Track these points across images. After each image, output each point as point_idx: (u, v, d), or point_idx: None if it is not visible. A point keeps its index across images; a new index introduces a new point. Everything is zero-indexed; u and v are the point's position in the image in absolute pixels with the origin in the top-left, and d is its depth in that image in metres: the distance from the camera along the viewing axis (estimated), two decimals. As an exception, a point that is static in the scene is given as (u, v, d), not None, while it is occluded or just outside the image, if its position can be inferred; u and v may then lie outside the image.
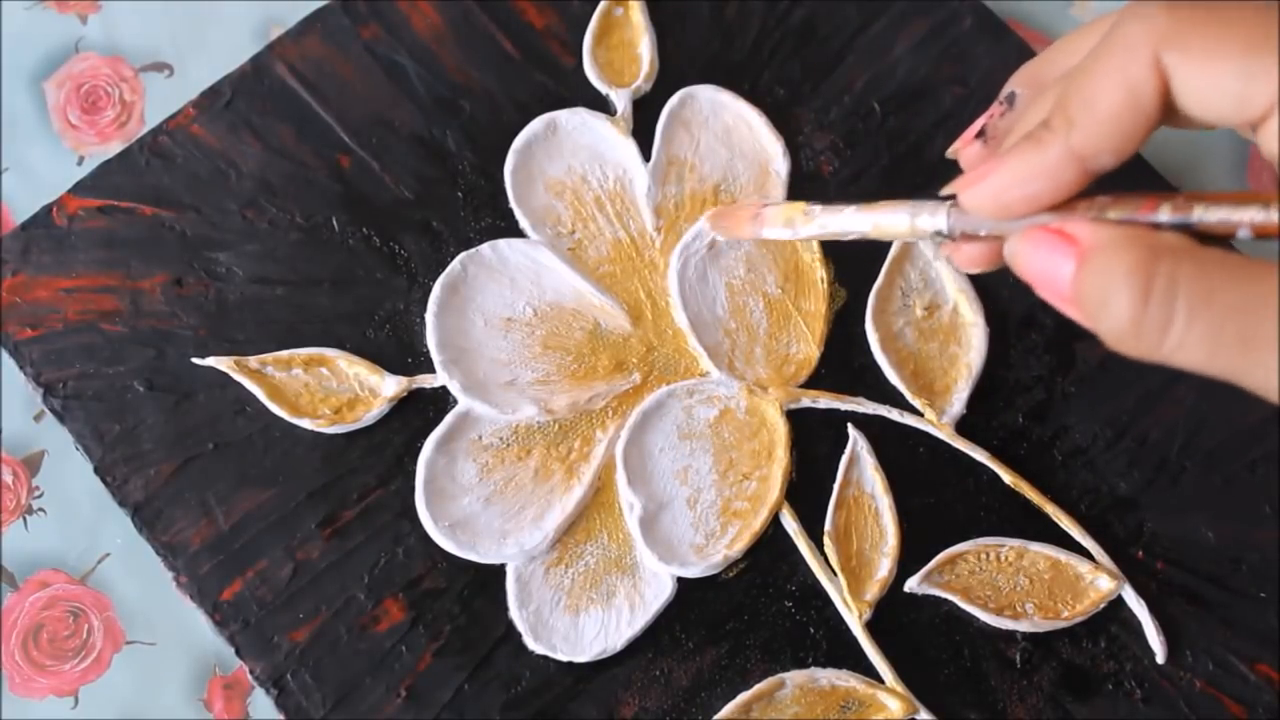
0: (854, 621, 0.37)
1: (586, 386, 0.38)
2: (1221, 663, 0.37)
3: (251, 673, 0.36)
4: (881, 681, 0.36)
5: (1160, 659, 0.37)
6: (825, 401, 0.39)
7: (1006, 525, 0.38)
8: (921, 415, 0.39)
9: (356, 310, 0.39)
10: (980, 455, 0.38)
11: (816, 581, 0.37)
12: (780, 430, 0.38)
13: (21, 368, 0.38)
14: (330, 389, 0.38)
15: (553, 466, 0.38)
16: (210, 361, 0.38)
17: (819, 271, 0.40)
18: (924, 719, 0.36)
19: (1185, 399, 0.39)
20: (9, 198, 0.42)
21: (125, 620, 0.38)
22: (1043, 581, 0.37)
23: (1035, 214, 0.25)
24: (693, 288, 0.40)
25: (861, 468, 0.38)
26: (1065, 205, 0.24)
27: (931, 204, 0.27)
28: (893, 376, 0.39)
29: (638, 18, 0.42)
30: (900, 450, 0.39)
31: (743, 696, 0.36)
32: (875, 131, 0.42)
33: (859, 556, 0.37)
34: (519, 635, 0.36)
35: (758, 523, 0.37)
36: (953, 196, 0.26)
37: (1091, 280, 0.23)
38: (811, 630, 0.37)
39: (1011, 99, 0.29)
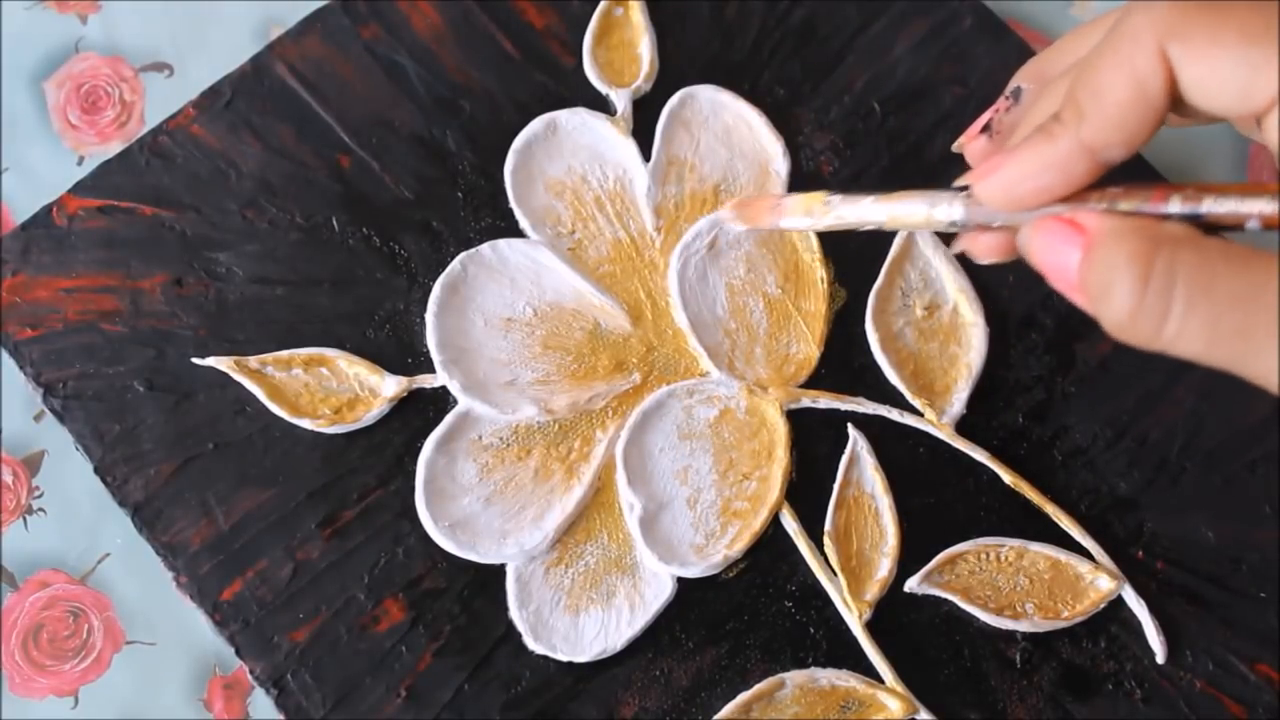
0: (854, 621, 0.37)
1: (586, 386, 0.38)
2: (1221, 663, 0.37)
3: (251, 673, 0.36)
4: (881, 681, 0.36)
5: (1160, 659, 0.37)
6: (825, 401, 0.39)
7: (1006, 525, 0.38)
8: (921, 415, 0.39)
9: (356, 310, 0.39)
10: (980, 455, 0.38)
11: (816, 581, 0.37)
12: (780, 430, 0.38)
13: (21, 368, 0.38)
14: (330, 389, 0.38)
15: (553, 466, 0.38)
16: (210, 361, 0.38)
17: (819, 271, 0.40)
18: (924, 719, 0.36)
19: (1185, 399, 0.39)
20: (9, 198, 0.42)
21: (125, 620, 0.38)
22: (1043, 581, 0.37)
23: (1047, 205, 0.25)
24: (693, 288, 0.40)
25: (861, 468, 0.38)
26: (1077, 196, 0.25)
27: (947, 195, 0.27)
28: (893, 376, 0.39)
29: (638, 18, 0.42)
30: (900, 450, 0.39)
31: (743, 696, 0.36)
32: (875, 131, 0.42)
33: (859, 556, 0.37)
34: (519, 635, 0.36)
35: (758, 523, 0.37)
36: (967, 188, 0.26)
37: (1095, 268, 0.23)
38: (811, 630, 0.37)
39: (1017, 94, 0.30)
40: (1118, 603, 0.37)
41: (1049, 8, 0.46)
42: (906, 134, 0.42)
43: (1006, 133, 0.29)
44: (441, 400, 0.38)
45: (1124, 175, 0.25)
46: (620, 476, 0.38)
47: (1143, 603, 0.37)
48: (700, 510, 0.38)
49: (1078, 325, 0.40)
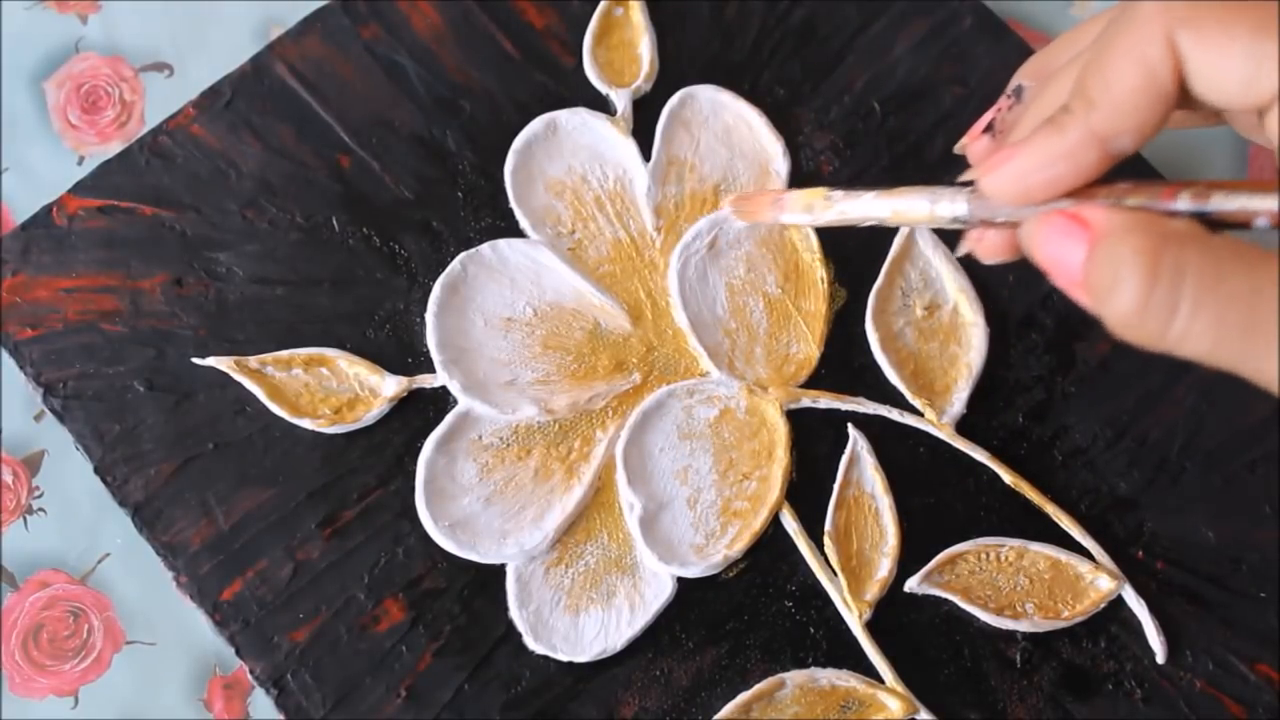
0: (854, 621, 0.37)
1: (586, 386, 0.38)
2: (1221, 663, 0.37)
3: (251, 673, 0.36)
4: (881, 681, 0.36)
5: (1160, 659, 0.37)
6: (825, 401, 0.39)
7: (1006, 525, 0.38)
8: (921, 415, 0.39)
9: (356, 310, 0.39)
10: (980, 455, 0.38)
11: (816, 581, 0.37)
12: (780, 430, 0.38)
13: (21, 368, 0.38)
14: (330, 389, 0.38)
15: (553, 466, 0.38)
16: (210, 361, 0.38)
17: (819, 271, 0.40)
18: (924, 719, 0.36)
19: (1185, 399, 0.39)
20: (9, 198, 0.42)
21: (125, 620, 0.38)
22: (1043, 581, 0.37)
23: (1055, 199, 0.25)
24: (693, 288, 0.40)
25: (861, 468, 0.38)
26: (1085, 191, 0.24)
27: (951, 190, 0.27)
28: (893, 376, 0.39)
29: (638, 18, 0.42)
30: (900, 450, 0.39)
31: (743, 696, 0.36)
32: (875, 131, 0.42)
33: (859, 556, 0.37)
34: (519, 635, 0.36)
35: (758, 523, 0.37)
36: (971, 183, 0.26)
37: (1100, 264, 0.23)
38: (811, 630, 0.37)
39: (1019, 92, 0.29)
40: (1118, 603, 0.37)
41: (1049, 8, 0.46)
42: (906, 134, 0.42)
43: (1010, 131, 0.29)
44: (441, 400, 0.38)
45: (1124, 176, 0.25)
46: (620, 476, 0.38)
47: (1143, 603, 0.37)
48: (700, 510, 0.38)
49: (1078, 325, 0.40)
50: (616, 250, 0.40)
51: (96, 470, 0.38)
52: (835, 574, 0.37)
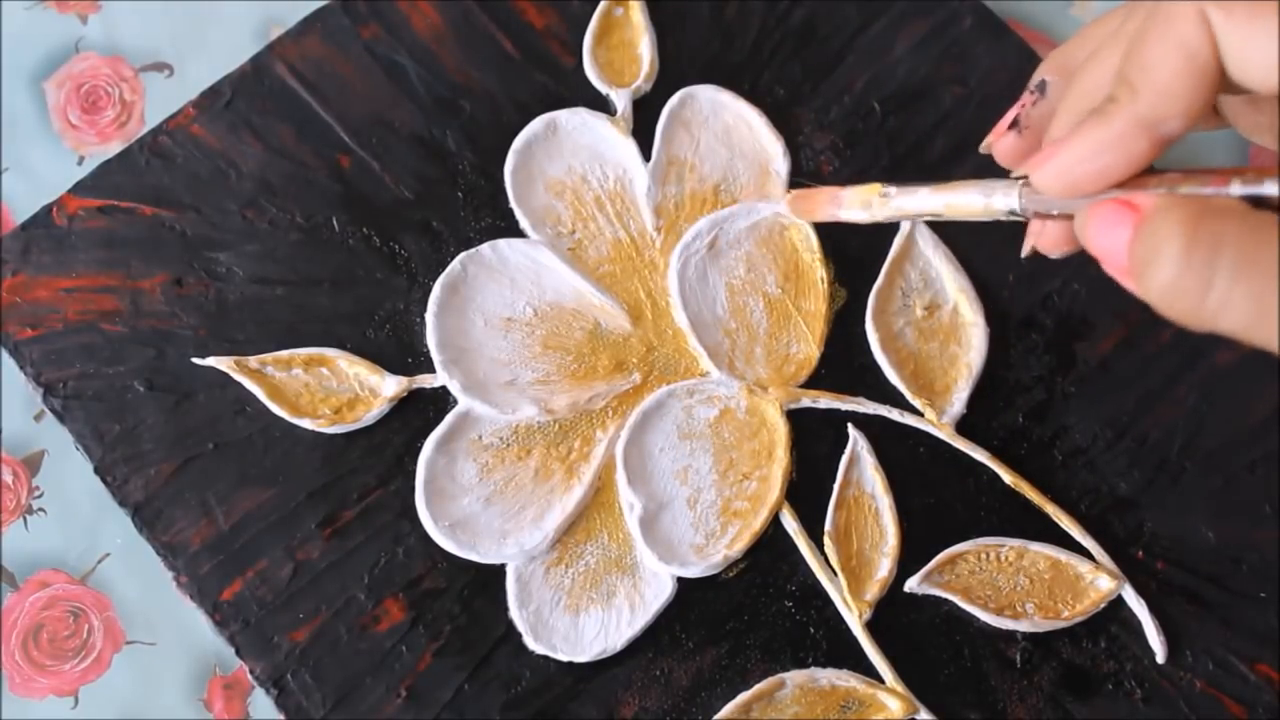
0: (854, 621, 0.37)
1: (586, 386, 0.38)
2: (1221, 663, 0.37)
3: (251, 673, 0.36)
4: (881, 681, 0.36)
5: (1160, 659, 0.37)
6: (825, 401, 0.39)
7: (1006, 525, 0.38)
8: (921, 415, 0.39)
9: (356, 310, 0.39)
10: (980, 455, 0.38)
11: (816, 581, 0.37)
12: (780, 430, 0.38)
13: (21, 368, 0.38)
14: (330, 389, 0.38)
15: (553, 466, 0.38)
16: (210, 361, 0.38)
17: (819, 271, 0.40)
18: (924, 719, 0.36)
19: (1185, 399, 0.39)
20: (9, 198, 0.42)
21: (125, 620, 0.38)
22: (1043, 581, 0.37)
23: (1106, 189, 0.25)
24: (693, 288, 0.40)
25: (861, 468, 0.38)
26: (1136, 181, 0.24)
27: (1004, 184, 0.27)
28: (893, 376, 0.39)
29: (638, 18, 0.42)
30: (900, 450, 0.39)
31: (743, 696, 0.36)
32: (875, 131, 0.42)
33: (859, 556, 0.37)
34: (519, 635, 0.36)
35: (758, 523, 0.37)
36: (1025, 177, 0.26)
37: (1142, 240, 0.23)
38: (811, 630, 0.37)
39: (1043, 87, 0.29)
40: (1118, 603, 0.37)
41: (1049, 8, 0.46)
42: (906, 134, 0.42)
43: (1035, 127, 0.29)
44: (441, 400, 0.38)
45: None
46: (620, 476, 0.38)
47: (1143, 603, 0.37)
48: (700, 510, 0.38)
49: (1078, 325, 0.40)
50: (616, 250, 0.40)
51: (96, 470, 0.38)
52: (835, 574, 0.37)
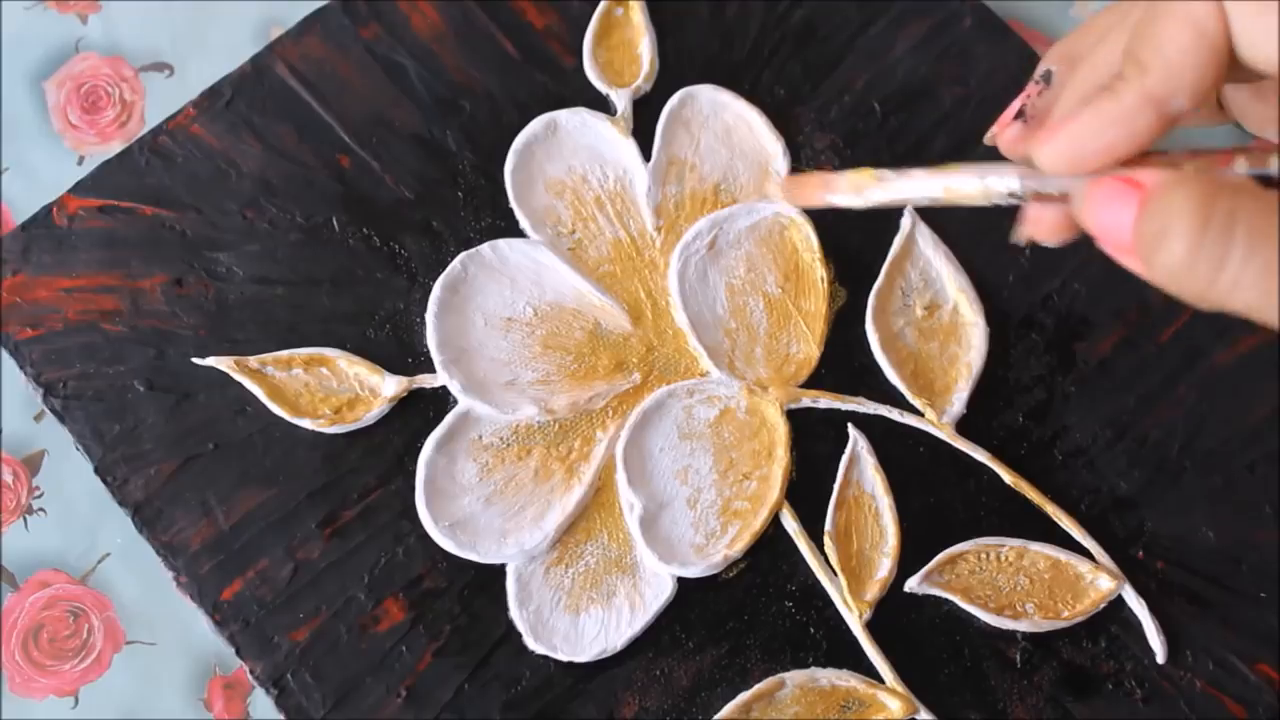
0: (854, 621, 0.37)
1: (586, 386, 0.38)
2: (1221, 663, 0.37)
3: (251, 673, 0.36)
4: (881, 681, 0.36)
5: (1160, 659, 0.37)
6: (825, 401, 0.39)
7: (1006, 525, 0.38)
8: (922, 415, 0.39)
9: (356, 310, 0.39)
10: (980, 455, 0.38)
11: (816, 581, 0.37)
12: (780, 430, 0.38)
13: (21, 368, 0.38)
14: (330, 389, 0.38)
15: (553, 466, 0.38)
16: (210, 361, 0.38)
17: (819, 271, 0.40)
18: (924, 719, 0.36)
19: (1185, 399, 0.39)
20: (9, 198, 0.42)
21: (125, 620, 0.38)
22: (1043, 581, 0.37)
23: (1110, 166, 0.24)
24: (693, 288, 0.40)
25: (862, 468, 0.38)
26: (1140, 160, 0.24)
27: (1002, 165, 0.26)
28: (893, 376, 0.39)
29: (638, 18, 0.42)
30: (900, 450, 0.39)
31: (743, 696, 0.36)
32: (875, 131, 0.42)
33: (859, 556, 0.37)
34: (519, 635, 0.36)
35: (758, 523, 0.37)
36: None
37: (1150, 216, 0.23)
38: (811, 630, 0.37)
39: (1048, 76, 0.29)
40: (1118, 603, 0.37)
41: (1049, 8, 0.46)
42: (906, 134, 0.42)
43: (1042, 117, 0.29)
44: (441, 400, 0.38)
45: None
46: (620, 476, 0.38)
47: (1143, 603, 0.37)
48: (700, 510, 0.38)
49: (1078, 325, 0.40)
50: (617, 250, 0.40)
51: (96, 470, 0.38)
52: (835, 574, 0.37)
